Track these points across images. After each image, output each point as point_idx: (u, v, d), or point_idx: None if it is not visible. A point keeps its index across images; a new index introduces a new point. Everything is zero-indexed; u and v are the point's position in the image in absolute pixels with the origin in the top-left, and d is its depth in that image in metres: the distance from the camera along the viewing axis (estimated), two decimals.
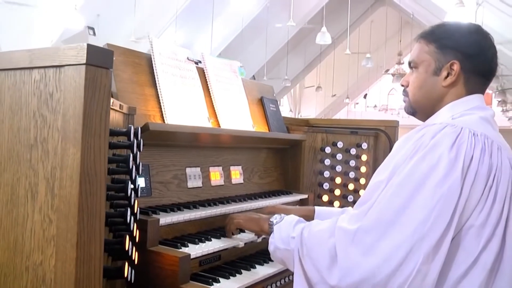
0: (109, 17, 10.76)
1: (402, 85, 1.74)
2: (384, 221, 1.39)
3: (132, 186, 1.45)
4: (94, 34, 10.90)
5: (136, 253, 1.56)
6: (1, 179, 1.24)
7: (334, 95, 19.65)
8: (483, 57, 1.59)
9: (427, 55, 1.62)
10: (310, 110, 20.93)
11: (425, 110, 1.66)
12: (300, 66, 17.47)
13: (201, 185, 2.28)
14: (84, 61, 1.08)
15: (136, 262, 1.55)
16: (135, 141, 1.48)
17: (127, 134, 1.41)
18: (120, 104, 1.62)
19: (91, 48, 1.09)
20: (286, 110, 21.64)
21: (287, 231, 1.68)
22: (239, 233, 2.10)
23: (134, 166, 1.46)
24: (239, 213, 2.18)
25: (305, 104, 21.88)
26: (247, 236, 2.09)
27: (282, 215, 1.80)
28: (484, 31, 1.62)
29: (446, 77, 1.59)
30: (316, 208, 2.19)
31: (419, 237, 1.35)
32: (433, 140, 1.43)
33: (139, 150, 1.56)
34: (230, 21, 12.76)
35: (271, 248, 1.72)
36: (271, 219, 1.80)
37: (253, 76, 14.82)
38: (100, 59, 1.11)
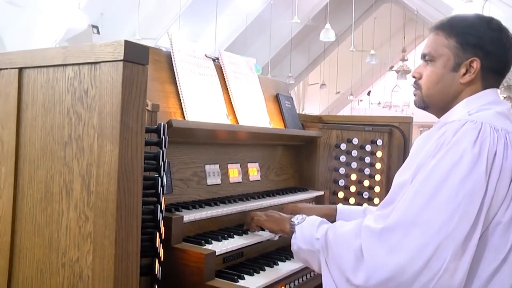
0: (113, 16, 10.76)
1: (414, 77, 1.68)
2: (408, 219, 1.38)
3: (161, 183, 1.45)
4: (98, 32, 10.91)
5: (162, 250, 1.56)
6: (35, 177, 1.24)
7: (338, 92, 19.62)
8: (504, 56, 1.56)
9: (446, 49, 1.57)
10: (314, 108, 20.89)
11: (439, 105, 1.63)
12: (304, 63, 17.45)
13: (220, 182, 2.28)
14: (122, 58, 1.08)
15: (162, 259, 1.55)
16: (163, 138, 1.48)
17: (157, 131, 1.41)
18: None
19: (128, 45, 1.08)
20: None
21: (310, 232, 1.67)
22: (259, 231, 2.09)
23: (162, 163, 1.46)
24: (259, 210, 2.19)
25: (309, 101, 21.85)
26: (267, 233, 2.08)
27: (304, 215, 1.79)
28: (504, 27, 1.58)
29: (464, 74, 1.55)
30: (338, 206, 2.18)
31: (446, 235, 1.33)
32: (455, 137, 1.41)
33: (165, 147, 1.55)
34: (233, 18, 12.75)
35: (294, 248, 1.72)
36: (292, 219, 1.79)
37: None
38: (137, 56, 1.10)
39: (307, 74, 18.84)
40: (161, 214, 1.48)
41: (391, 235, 1.39)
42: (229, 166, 2.36)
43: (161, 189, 1.45)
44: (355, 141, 2.96)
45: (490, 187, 1.37)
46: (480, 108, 1.52)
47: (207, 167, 2.22)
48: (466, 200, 1.34)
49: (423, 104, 1.66)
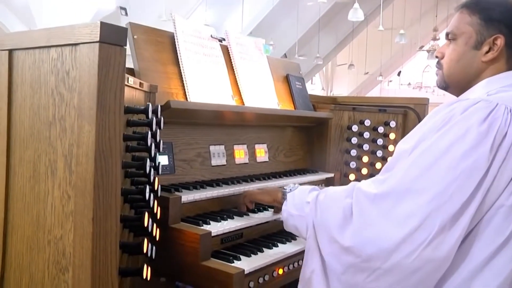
0: None
1: (437, 57, 1.65)
2: (402, 187, 1.37)
3: (151, 163, 1.46)
4: (126, 14, 11.01)
5: (157, 229, 1.58)
6: (24, 156, 1.27)
7: (367, 73, 19.29)
8: None
9: (469, 26, 1.53)
10: (342, 89, 20.64)
11: (460, 85, 1.58)
12: (332, 43, 17.17)
13: (225, 163, 2.29)
14: (98, 39, 1.08)
15: (157, 239, 1.57)
16: (154, 118, 1.48)
17: (145, 111, 1.42)
18: (140, 82, 1.63)
19: (104, 26, 1.09)
20: (318, 88, 21.43)
21: (301, 197, 1.68)
22: (257, 212, 2.08)
23: (153, 144, 1.47)
24: None
25: (337, 82, 21.58)
26: (269, 214, 2.08)
27: (297, 184, 1.81)
28: None
29: (487, 52, 1.50)
30: None
31: (436, 207, 1.32)
32: (464, 114, 1.37)
33: (159, 128, 1.56)
34: None
35: (284, 215, 1.73)
36: (284, 187, 1.81)
37: (285, 54, 14.66)
38: (113, 37, 1.11)
39: (335, 54, 18.54)
40: (152, 194, 1.50)
41: (384, 201, 1.39)
42: (235, 147, 2.36)
43: (152, 169, 1.47)
44: (367, 122, 2.92)
45: (493, 168, 1.33)
46: (500, 89, 1.47)
47: (212, 148, 2.23)
48: (464, 175, 1.32)
49: (444, 83, 1.63)
